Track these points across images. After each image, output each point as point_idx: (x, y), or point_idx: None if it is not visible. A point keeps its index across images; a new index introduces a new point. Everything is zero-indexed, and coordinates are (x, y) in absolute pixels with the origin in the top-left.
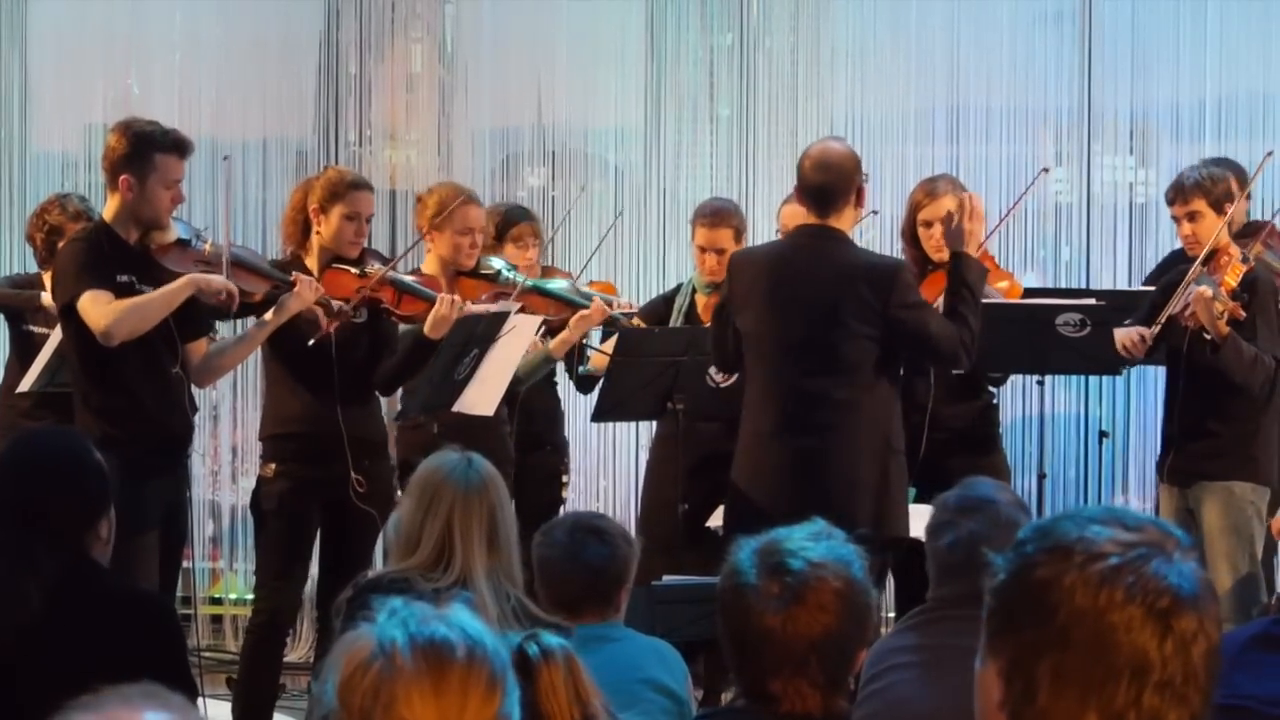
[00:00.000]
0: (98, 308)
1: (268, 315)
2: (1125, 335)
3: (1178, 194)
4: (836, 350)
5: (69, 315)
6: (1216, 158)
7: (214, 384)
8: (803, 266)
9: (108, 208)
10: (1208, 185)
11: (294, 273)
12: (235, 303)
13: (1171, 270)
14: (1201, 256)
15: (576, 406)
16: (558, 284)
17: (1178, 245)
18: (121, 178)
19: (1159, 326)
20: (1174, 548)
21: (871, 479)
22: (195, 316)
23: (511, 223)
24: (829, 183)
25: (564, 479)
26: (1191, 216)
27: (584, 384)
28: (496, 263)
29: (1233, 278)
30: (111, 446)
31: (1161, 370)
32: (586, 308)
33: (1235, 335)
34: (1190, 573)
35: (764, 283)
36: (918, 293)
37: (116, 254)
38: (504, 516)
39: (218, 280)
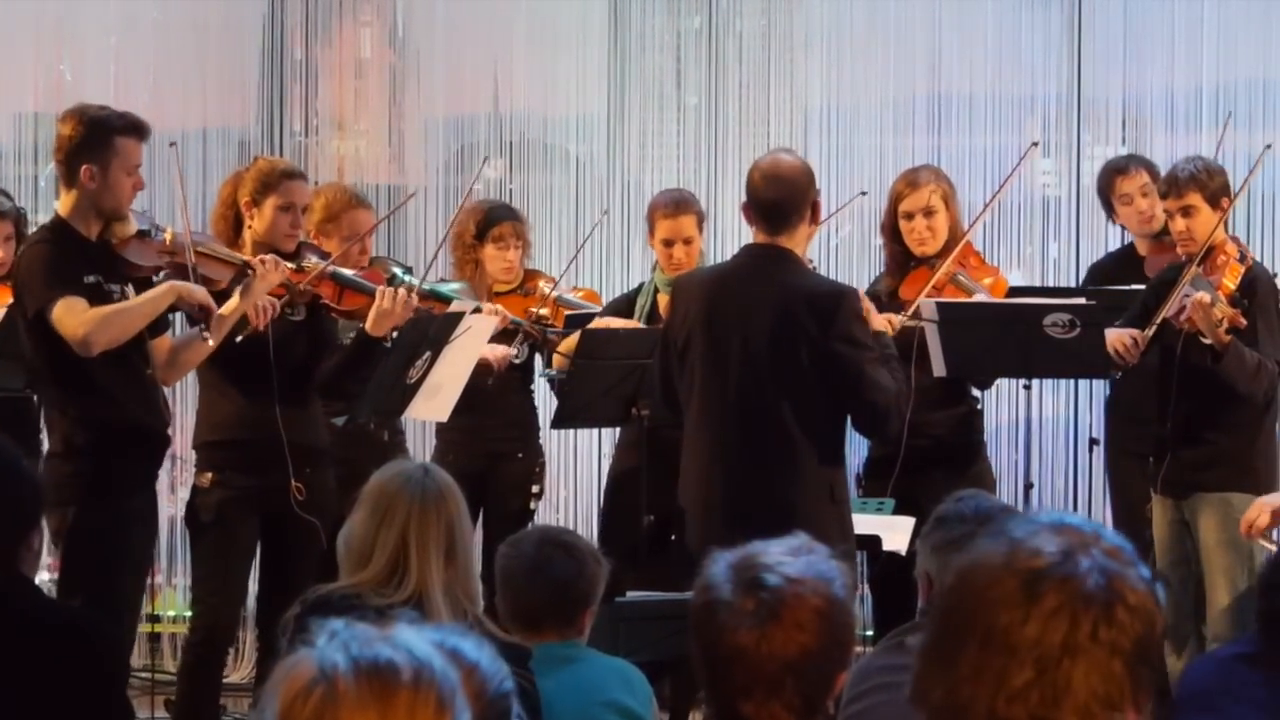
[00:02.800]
0: (74, 316)
1: (232, 301)
2: (1117, 338)
3: (1171, 187)
4: (777, 382)
5: (38, 324)
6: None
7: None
8: (746, 289)
9: (63, 203)
10: (1203, 178)
11: (258, 254)
12: (213, 313)
13: (1101, 275)
14: (1198, 256)
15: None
16: (450, 287)
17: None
18: (83, 168)
19: (1154, 328)
20: (1097, 545)
21: (808, 528)
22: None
23: (493, 222)
24: (782, 198)
25: (534, 489)
26: (1186, 212)
27: (554, 388)
28: (392, 266)
29: (1231, 279)
30: (94, 456)
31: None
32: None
33: (1237, 343)
34: (1137, 582)
35: (704, 306)
36: (865, 329)
37: (79, 252)
38: (462, 529)
39: (200, 294)
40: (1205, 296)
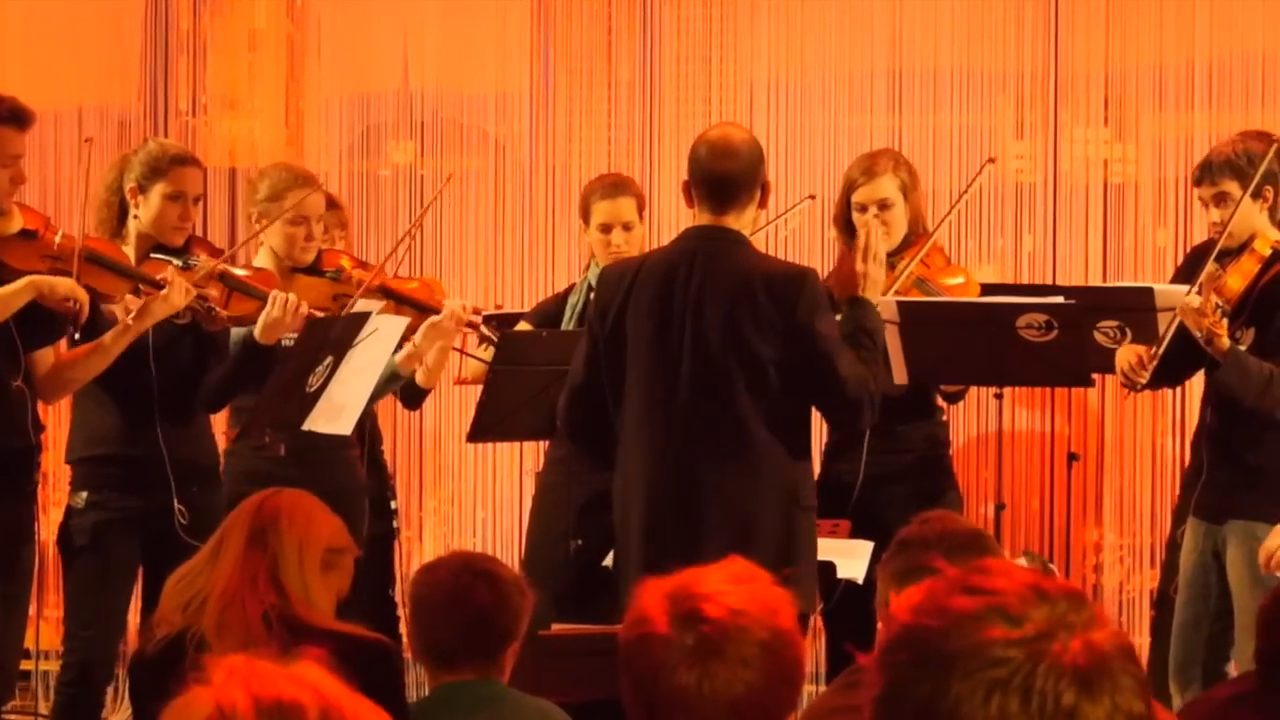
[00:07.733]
0: None
1: (129, 319)
2: (1123, 356)
3: (1204, 172)
4: (732, 377)
5: None
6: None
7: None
8: (692, 275)
9: None
10: (1241, 164)
11: (163, 272)
12: (85, 310)
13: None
14: (1216, 251)
15: (451, 423)
16: (413, 285)
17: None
18: None
19: (1164, 344)
20: (1075, 618)
21: (772, 536)
22: (43, 320)
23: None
24: (731, 172)
25: (392, 505)
26: (1219, 200)
27: (410, 397)
28: (344, 260)
29: (1238, 280)
30: None
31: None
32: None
33: (1238, 352)
34: (1094, 645)
35: (644, 294)
36: (829, 312)
37: None
38: (295, 552)
39: (64, 284)
40: (1194, 300)
